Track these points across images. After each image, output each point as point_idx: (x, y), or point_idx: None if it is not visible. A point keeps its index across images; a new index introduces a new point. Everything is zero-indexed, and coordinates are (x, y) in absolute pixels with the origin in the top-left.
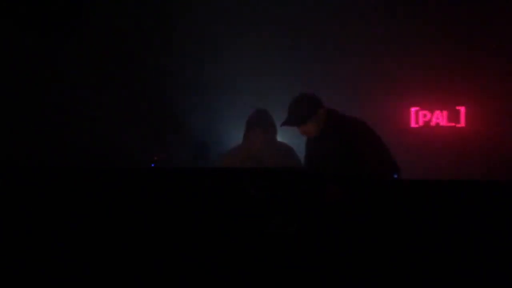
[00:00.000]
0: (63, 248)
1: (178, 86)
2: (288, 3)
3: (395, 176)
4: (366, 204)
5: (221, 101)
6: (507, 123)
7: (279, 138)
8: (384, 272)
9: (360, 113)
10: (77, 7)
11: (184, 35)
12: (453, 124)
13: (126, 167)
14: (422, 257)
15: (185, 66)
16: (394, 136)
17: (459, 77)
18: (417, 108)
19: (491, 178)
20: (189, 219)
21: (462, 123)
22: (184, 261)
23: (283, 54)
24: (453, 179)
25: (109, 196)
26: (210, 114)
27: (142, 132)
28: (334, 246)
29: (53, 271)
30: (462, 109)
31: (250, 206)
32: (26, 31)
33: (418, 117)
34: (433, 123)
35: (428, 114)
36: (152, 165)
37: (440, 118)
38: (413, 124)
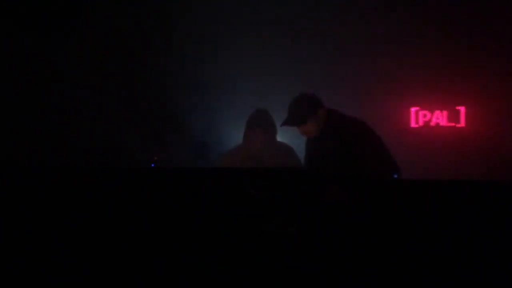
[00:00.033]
0: (63, 248)
1: (178, 86)
2: (288, 3)
3: (395, 176)
4: (366, 204)
5: (221, 101)
6: (507, 123)
7: (279, 138)
8: (384, 272)
9: (360, 113)
10: (77, 7)
11: (184, 35)
12: (453, 124)
13: (126, 167)
14: (422, 257)
15: (185, 66)
16: (394, 136)
17: (459, 77)
18: (417, 108)
19: (491, 178)
20: (189, 219)
21: (462, 123)
22: (184, 261)
23: (283, 54)
24: (453, 179)
25: (109, 196)
26: (210, 114)
27: (142, 132)
28: (334, 246)
29: (53, 271)
30: (462, 109)
31: (250, 206)
32: (26, 31)
33: (418, 117)
34: (433, 123)
35: (428, 114)
36: (152, 165)
37: (440, 118)
38: (413, 124)
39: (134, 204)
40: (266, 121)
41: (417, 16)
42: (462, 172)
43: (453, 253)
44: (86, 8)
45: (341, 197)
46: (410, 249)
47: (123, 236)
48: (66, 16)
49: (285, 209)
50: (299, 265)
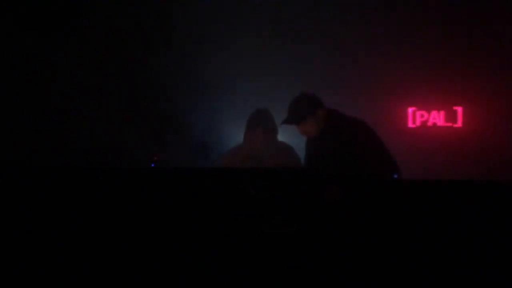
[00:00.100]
0: (63, 248)
1: (178, 86)
2: (288, 3)
3: (395, 176)
4: (366, 204)
5: (221, 101)
6: (504, 123)
7: (279, 138)
8: (384, 272)
9: (357, 113)
10: (77, 7)
11: (184, 35)
12: (450, 124)
13: (126, 167)
14: (422, 257)
15: (185, 66)
16: (391, 136)
17: (456, 77)
18: (414, 108)
19: (488, 178)
20: (189, 219)
21: (459, 123)
22: (184, 261)
23: (283, 54)
24: (453, 179)
25: (109, 196)
26: (210, 114)
27: (142, 132)
28: (334, 246)
29: (53, 271)
30: (459, 109)
31: (250, 206)
32: (26, 31)
33: (415, 117)
34: (430, 123)
35: (425, 114)
36: (152, 165)
37: (437, 118)
38: (410, 124)
39: (134, 204)
40: (267, 120)
41: (414, 17)
42: (459, 172)
43: (453, 253)
44: (86, 8)
45: (341, 197)
46: (410, 249)
47: (123, 236)
48: (66, 16)
49: (285, 209)
50: (299, 265)
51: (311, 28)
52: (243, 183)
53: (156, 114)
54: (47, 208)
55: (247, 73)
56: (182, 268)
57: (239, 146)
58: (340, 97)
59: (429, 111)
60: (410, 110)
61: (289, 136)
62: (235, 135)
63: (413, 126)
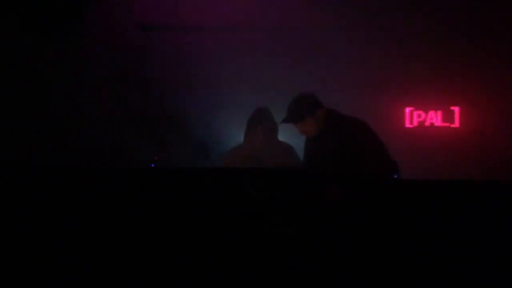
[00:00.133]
0: (63, 248)
1: (178, 86)
2: (288, 3)
3: (395, 176)
4: (366, 204)
5: (221, 101)
6: (501, 124)
7: (279, 138)
8: (384, 272)
9: (354, 113)
10: (77, 7)
11: (184, 35)
12: (447, 124)
13: (126, 167)
14: (422, 257)
15: (186, 66)
16: (388, 136)
17: (453, 77)
18: (411, 108)
19: (485, 178)
20: (189, 219)
21: (456, 123)
22: (184, 261)
23: (283, 54)
24: (452, 179)
25: (109, 196)
26: (210, 114)
27: (142, 132)
28: (334, 246)
29: (53, 271)
30: (456, 109)
31: (250, 206)
32: (26, 31)
33: (413, 117)
34: (427, 123)
35: (423, 114)
36: (152, 165)
37: (434, 118)
38: (407, 124)
39: (134, 204)
40: (267, 120)
41: (412, 18)
42: (456, 172)
43: (453, 252)
44: (86, 8)
45: (341, 197)
46: (409, 249)
47: (123, 236)
48: (66, 16)
49: (285, 209)
50: (299, 265)
51: (311, 28)
52: (243, 183)
53: (156, 114)
54: (47, 208)
55: (247, 73)
56: (182, 268)
57: (239, 146)
58: (337, 97)
59: (426, 111)
60: (408, 110)
61: (289, 136)
62: (235, 135)
63: (411, 126)
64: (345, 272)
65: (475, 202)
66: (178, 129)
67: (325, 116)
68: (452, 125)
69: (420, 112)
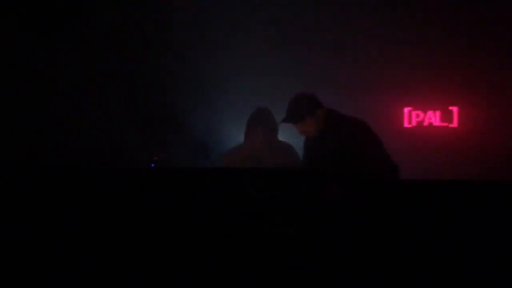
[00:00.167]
0: (63, 248)
1: (178, 86)
2: (288, 3)
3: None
4: (366, 204)
5: (221, 101)
6: (499, 124)
7: (279, 137)
8: (384, 272)
9: (353, 113)
10: (77, 7)
11: (184, 35)
12: (446, 124)
13: (126, 167)
14: (422, 257)
15: (185, 66)
16: (387, 136)
17: (452, 77)
18: (410, 108)
19: (484, 178)
20: (189, 219)
21: (455, 123)
22: (184, 261)
23: (283, 54)
24: (452, 179)
25: (109, 196)
26: (210, 114)
27: (142, 132)
28: (334, 246)
29: (53, 271)
30: (454, 109)
31: (250, 206)
32: (26, 31)
33: (411, 117)
34: (426, 123)
35: (421, 114)
36: (152, 165)
37: (433, 118)
38: (406, 124)
39: (134, 204)
40: (267, 120)
41: (411, 17)
42: (455, 172)
43: (453, 252)
44: (86, 8)
45: (341, 197)
46: (410, 249)
47: (123, 236)
48: (66, 16)
49: (285, 209)
50: (299, 265)
51: (310, 28)
52: (243, 183)
53: (156, 114)
54: (47, 208)
55: (247, 73)
56: (182, 268)
57: (239, 146)
58: (337, 97)
59: (425, 111)
60: (406, 110)
61: (289, 135)
62: (235, 135)
63: (409, 126)
64: (345, 272)
65: (474, 202)
66: (178, 129)
67: (325, 116)
68: (451, 125)
69: (419, 112)
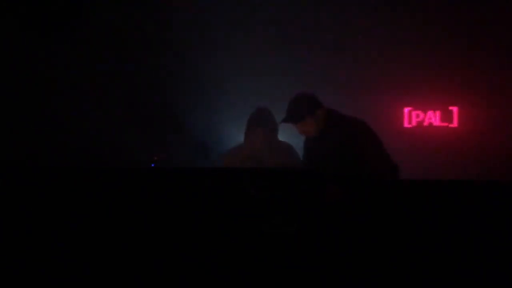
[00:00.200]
0: (63, 248)
1: (178, 86)
2: (288, 3)
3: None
4: (366, 204)
5: (221, 101)
6: (499, 124)
7: (280, 138)
8: (384, 272)
9: (353, 113)
10: (77, 7)
11: (184, 35)
12: (446, 124)
13: (126, 167)
14: (422, 257)
15: (185, 66)
16: (387, 136)
17: (452, 77)
18: (410, 108)
19: (484, 178)
20: (189, 219)
21: (455, 123)
22: (184, 261)
23: (283, 54)
24: (452, 179)
25: (109, 196)
26: (210, 114)
27: (142, 132)
28: (334, 246)
29: (53, 271)
30: (454, 109)
31: (250, 206)
32: (26, 31)
33: (411, 117)
34: (426, 123)
35: (421, 114)
36: (152, 165)
37: (433, 118)
38: (406, 124)
39: (134, 204)
40: (267, 120)
41: (410, 17)
42: (455, 172)
43: (453, 253)
44: (86, 8)
45: (341, 197)
46: (410, 249)
47: (123, 236)
48: (66, 16)
49: (285, 209)
50: (299, 265)
51: (310, 28)
52: (243, 183)
53: (156, 114)
54: (47, 208)
55: (247, 73)
56: (182, 268)
57: (239, 146)
58: (337, 97)
59: (425, 111)
60: (406, 110)
61: (289, 135)
62: (235, 135)
63: (409, 126)
64: (345, 272)
65: (474, 202)
66: (178, 129)
67: (325, 116)
68: (451, 125)
69: (419, 112)
